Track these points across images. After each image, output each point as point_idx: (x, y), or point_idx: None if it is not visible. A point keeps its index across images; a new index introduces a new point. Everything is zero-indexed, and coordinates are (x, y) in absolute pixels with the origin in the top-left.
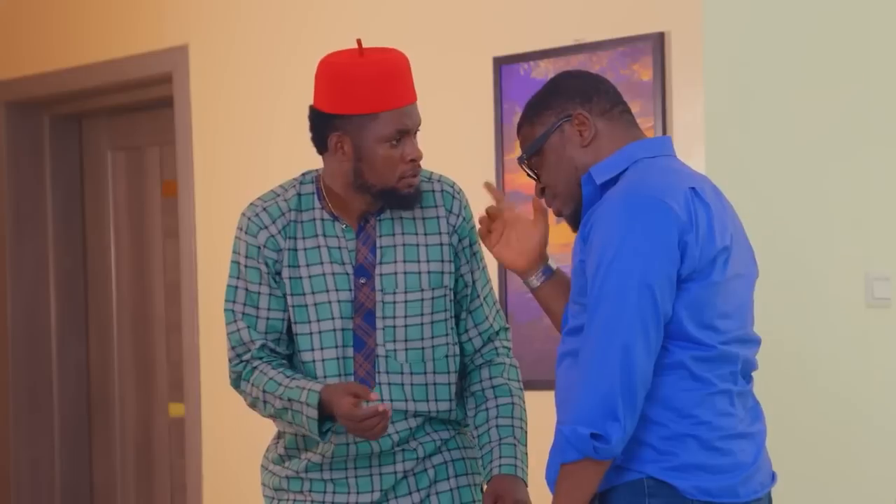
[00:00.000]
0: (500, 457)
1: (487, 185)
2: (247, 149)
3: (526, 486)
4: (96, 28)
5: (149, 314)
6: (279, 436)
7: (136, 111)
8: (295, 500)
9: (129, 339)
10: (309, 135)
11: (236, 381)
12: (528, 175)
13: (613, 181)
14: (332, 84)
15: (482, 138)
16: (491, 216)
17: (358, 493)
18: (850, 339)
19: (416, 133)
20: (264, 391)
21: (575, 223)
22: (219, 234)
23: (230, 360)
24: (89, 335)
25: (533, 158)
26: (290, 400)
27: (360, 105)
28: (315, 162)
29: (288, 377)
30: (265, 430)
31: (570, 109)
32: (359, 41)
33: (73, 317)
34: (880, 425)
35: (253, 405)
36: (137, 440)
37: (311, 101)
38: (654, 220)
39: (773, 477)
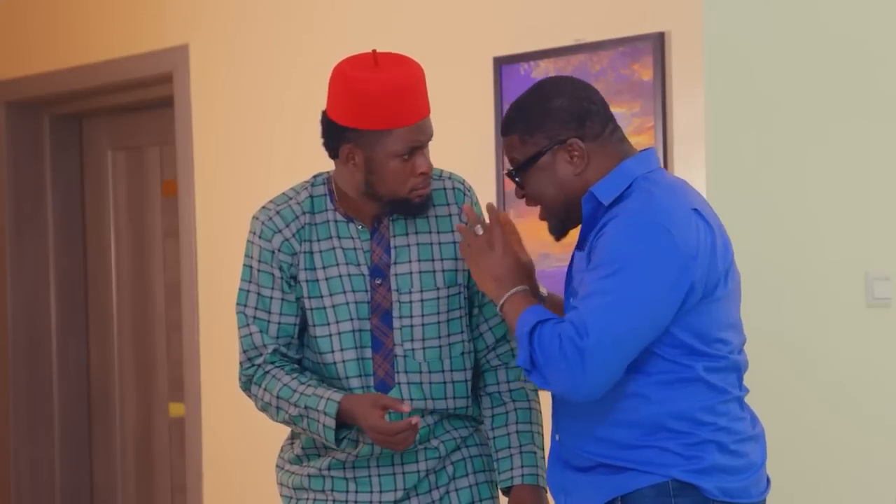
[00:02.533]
0: (522, 466)
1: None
2: (247, 148)
3: (546, 492)
4: (97, 28)
5: (149, 314)
6: (294, 436)
7: (136, 111)
8: (316, 500)
9: (129, 338)
10: (309, 135)
11: (246, 385)
12: (513, 181)
13: (617, 200)
14: (346, 97)
15: (482, 138)
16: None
17: (381, 491)
18: (850, 339)
19: (427, 144)
20: (278, 397)
21: (558, 233)
22: (219, 233)
23: (241, 364)
24: (89, 335)
25: (520, 172)
26: (306, 408)
27: (373, 121)
28: (315, 162)
29: (303, 384)
30: (265, 430)
31: (563, 135)
32: (374, 52)
33: (73, 317)
34: (881, 425)
35: (264, 409)
36: (137, 440)
37: (311, 101)
38: (664, 257)
39: (768, 481)
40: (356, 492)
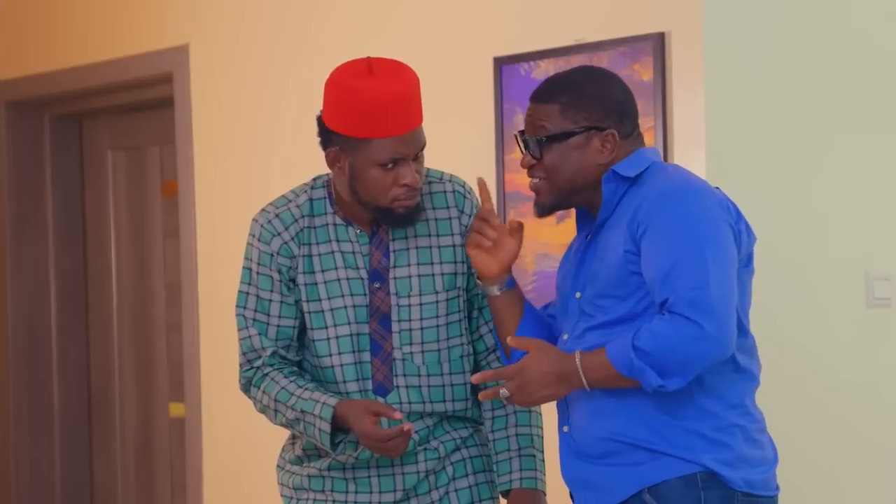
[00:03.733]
0: (521, 469)
1: (481, 183)
2: (247, 148)
3: (545, 495)
4: (97, 28)
5: (149, 314)
6: (295, 436)
7: (136, 111)
8: (315, 500)
9: (130, 339)
10: (309, 136)
11: (246, 386)
12: (522, 149)
13: (635, 179)
14: (334, 102)
15: (482, 138)
16: (487, 221)
17: (381, 492)
18: (850, 340)
19: (416, 156)
20: (276, 400)
21: (545, 213)
22: (219, 233)
23: (241, 366)
24: (89, 335)
25: (546, 142)
26: (302, 411)
27: (356, 129)
28: (315, 162)
29: (300, 387)
30: (265, 430)
31: (604, 123)
32: (369, 59)
33: (73, 317)
34: (881, 425)
35: (263, 412)
36: (138, 440)
37: (311, 101)
38: (716, 211)
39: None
40: (356, 492)
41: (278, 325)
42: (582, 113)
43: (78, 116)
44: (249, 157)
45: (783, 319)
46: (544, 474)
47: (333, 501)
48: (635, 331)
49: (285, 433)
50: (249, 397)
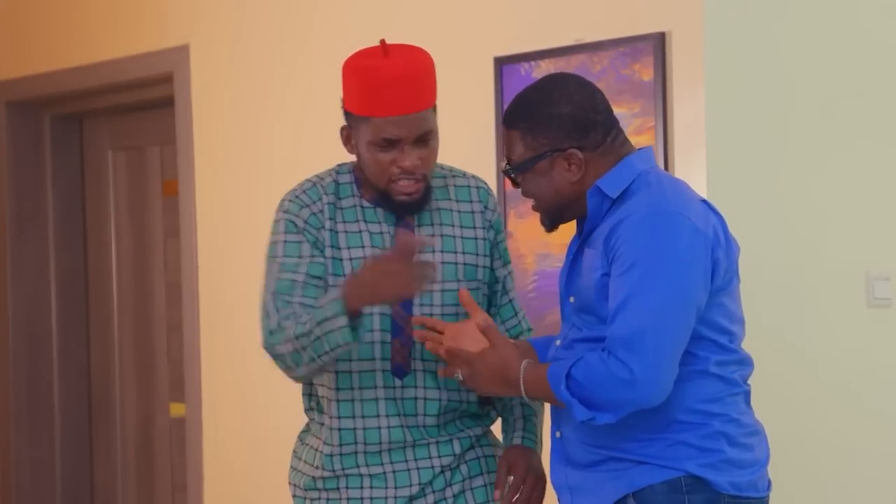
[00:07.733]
0: (524, 429)
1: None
2: (248, 148)
3: (540, 457)
4: (97, 28)
5: (149, 314)
6: (304, 439)
7: (137, 111)
8: (329, 499)
9: (130, 338)
10: (310, 135)
11: (274, 336)
12: (508, 177)
13: (623, 195)
14: (344, 79)
15: (482, 138)
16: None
17: (396, 487)
18: (850, 340)
19: (421, 140)
20: (296, 338)
21: (548, 228)
22: (220, 233)
23: (267, 315)
24: (90, 335)
25: (515, 172)
26: (318, 324)
27: (357, 106)
28: (316, 161)
29: (308, 313)
30: (266, 429)
31: (564, 144)
32: (382, 41)
33: (73, 316)
34: (881, 426)
35: (295, 364)
36: (138, 440)
37: (312, 101)
38: (689, 242)
39: (769, 481)
40: (371, 487)
41: (304, 282)
42: (540, 138)
43: (78, 116)
44: (250, 157)
45: (783, 319)
46: (541, 446)
47: (348, 499)
48: (577, 357)
49: (286, 432)
50: (275, 354)
